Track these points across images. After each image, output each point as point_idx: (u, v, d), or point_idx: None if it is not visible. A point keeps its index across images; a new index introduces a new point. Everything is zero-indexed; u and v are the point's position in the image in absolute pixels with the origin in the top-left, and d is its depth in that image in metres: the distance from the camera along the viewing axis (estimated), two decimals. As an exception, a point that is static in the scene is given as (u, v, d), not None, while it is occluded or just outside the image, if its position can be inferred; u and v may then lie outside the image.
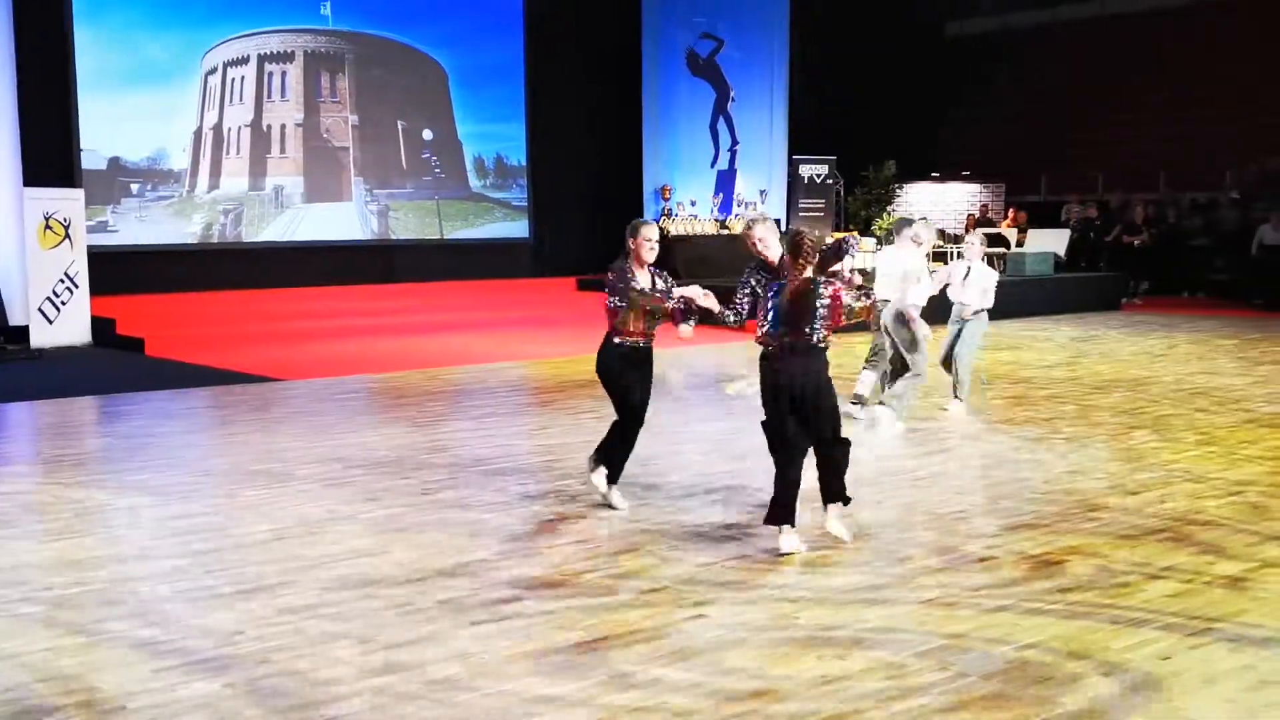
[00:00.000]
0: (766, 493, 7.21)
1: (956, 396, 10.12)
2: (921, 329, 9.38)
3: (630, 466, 7.11)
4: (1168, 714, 4.22)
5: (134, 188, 16.71)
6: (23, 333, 14.01)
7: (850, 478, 6.31)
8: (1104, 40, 23.77)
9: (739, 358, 12.91)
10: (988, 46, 24.89)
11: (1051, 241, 21.03)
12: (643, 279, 6.84)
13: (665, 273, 7.02)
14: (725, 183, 21.01)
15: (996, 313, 10.68)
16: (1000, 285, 10.36)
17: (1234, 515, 6.84)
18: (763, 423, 6.25)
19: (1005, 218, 23.15)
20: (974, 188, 24.57)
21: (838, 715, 4.21)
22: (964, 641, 4.89)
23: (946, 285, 10.07)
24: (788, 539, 6.10)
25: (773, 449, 6.21)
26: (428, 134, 19.22)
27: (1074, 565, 5.91)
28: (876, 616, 5.19)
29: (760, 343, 6.25)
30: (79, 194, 14.89)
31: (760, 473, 7.86)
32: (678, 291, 6.84)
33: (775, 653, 4.78)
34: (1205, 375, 12.28)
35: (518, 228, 20.22)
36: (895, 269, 9.65)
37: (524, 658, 4.74)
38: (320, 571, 5.84)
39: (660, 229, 19.72)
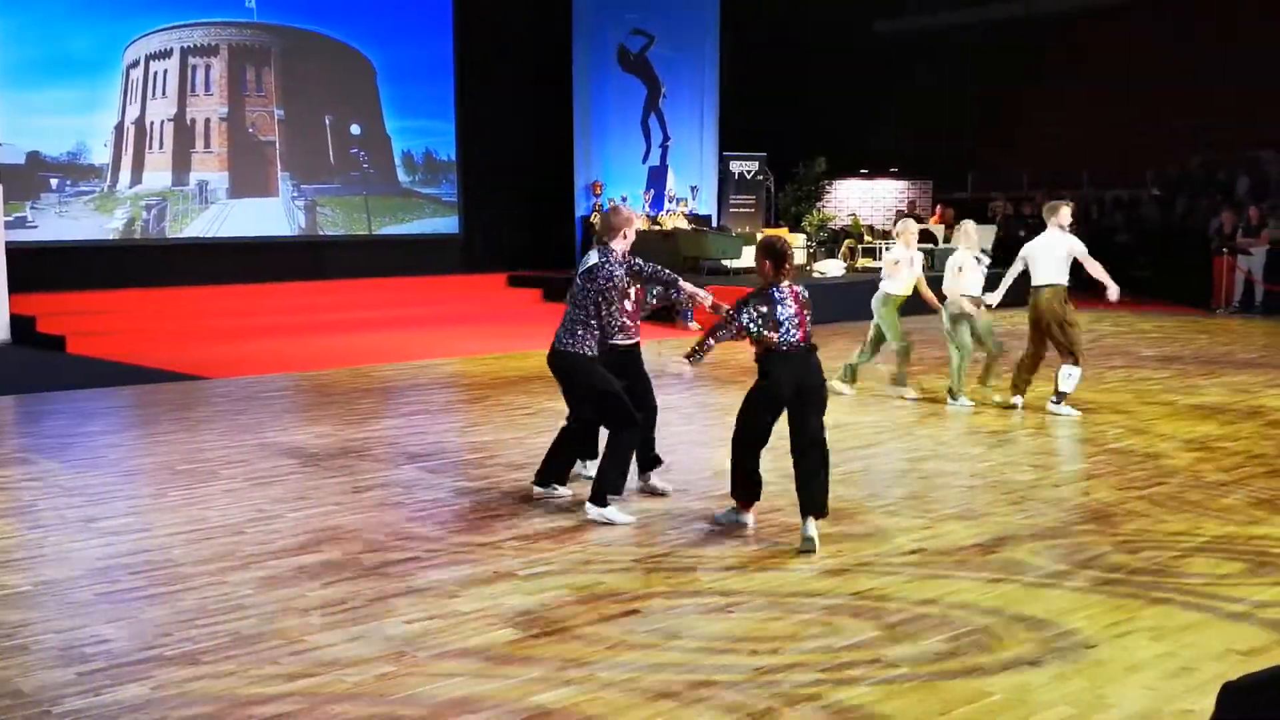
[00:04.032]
0: (700, 488, 7.27)
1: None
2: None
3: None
4: (1093, 702, 4.30)
5: (54, 183, 16.34)
6: (-61, 331, 13.66)
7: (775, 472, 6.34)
8: (1029, 39, 24.12)
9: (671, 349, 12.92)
10: (916, 44, 25.15)
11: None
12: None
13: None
14: (657, 179, 21.02)
15: (922, 308, 11.07)
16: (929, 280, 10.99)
17: (1156, 506, 6.99)
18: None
19: (933, 214, 23.42)
20: (902, 184, 24.83)
21: (772, 708, 4.24)
22: (895, 633, 4.94)
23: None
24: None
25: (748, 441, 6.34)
26: (355, 129, 19.01)
27: (1001, 556, 6.00)
28: (809, 609, 5.23)
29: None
30: (-4, 189, 14.56)
31: (693, 469, 7.90)
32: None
33: (709, 646, 4.80)
34: (1126, 368, 12.52)
35: (447, 223, 20.09)
36: (1059, 252, 9.80)
37: (458, 655, 4.71)
38: (249, 572, 5.77)
39: (591, 225, 19.92)
